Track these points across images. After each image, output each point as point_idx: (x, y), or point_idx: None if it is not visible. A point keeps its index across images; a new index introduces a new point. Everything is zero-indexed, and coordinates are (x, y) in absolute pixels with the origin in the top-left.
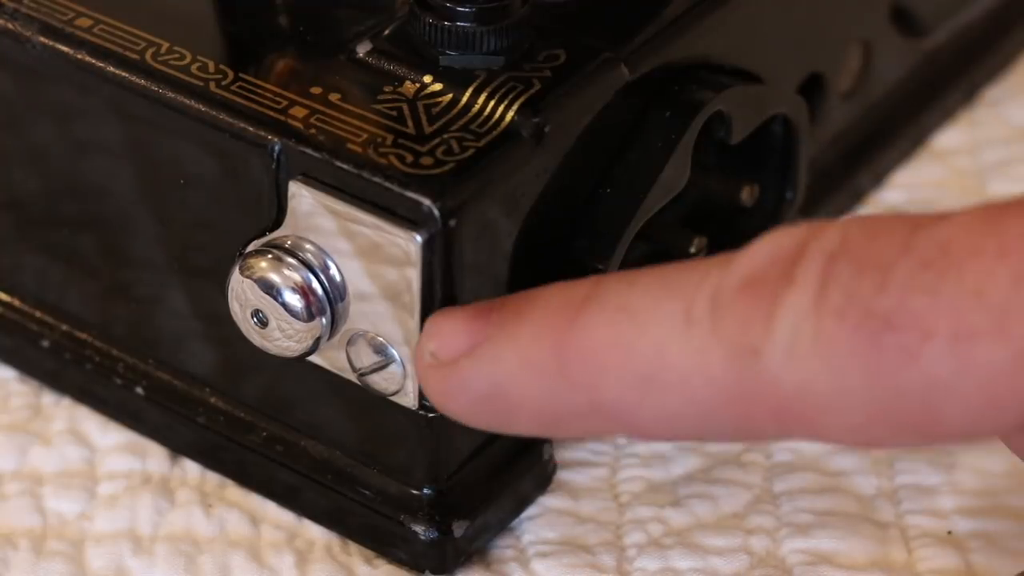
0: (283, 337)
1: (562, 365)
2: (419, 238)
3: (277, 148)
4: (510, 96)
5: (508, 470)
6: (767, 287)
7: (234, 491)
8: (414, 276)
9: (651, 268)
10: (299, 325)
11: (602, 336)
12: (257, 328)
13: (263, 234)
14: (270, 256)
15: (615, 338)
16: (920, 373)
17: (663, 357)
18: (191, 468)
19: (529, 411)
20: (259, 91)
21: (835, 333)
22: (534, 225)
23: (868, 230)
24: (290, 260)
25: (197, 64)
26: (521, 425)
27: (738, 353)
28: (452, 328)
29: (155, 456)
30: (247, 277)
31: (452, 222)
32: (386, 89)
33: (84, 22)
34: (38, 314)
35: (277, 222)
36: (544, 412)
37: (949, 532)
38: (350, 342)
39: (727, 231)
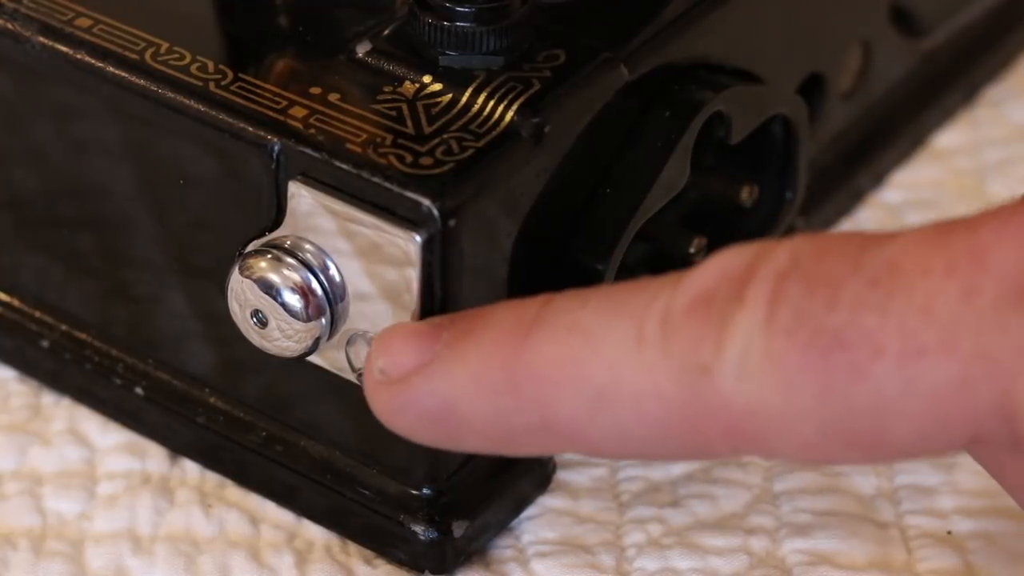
0: (283, 337)
1: (513, 383)
2: (419, 238)
3: (277, 148)
4: (510, 96)
5: (508, 470)
6: (717, 306)
7: (234, 491)
8: (414, 276)
9: (601, 287)
10: (299, 325)
11: (553, 355)
12: (257, 328)
13: (263, 234)
14: (270, 256)
15: (566, 357)
16: (870, 390)
17: (614, 376)
18: (191, 468)
19: (479, 429)
20: (259, 91)
21: (785, 351)
22: (534, 225)
23: (817, 249)
24: (290, 260)
25: (197, 64)
26: (470, 442)
27: (689, 372)
28: (402, 345)
29: (155, 456)
30: (247, 277)
31: (452, 222)
32: (386, 89)
33: (84, 22)
34: (38, 314)
35: (277, 222)
36: (494, 430)
37: (949, 532)
38: (350, 342)
39: (727, 231)
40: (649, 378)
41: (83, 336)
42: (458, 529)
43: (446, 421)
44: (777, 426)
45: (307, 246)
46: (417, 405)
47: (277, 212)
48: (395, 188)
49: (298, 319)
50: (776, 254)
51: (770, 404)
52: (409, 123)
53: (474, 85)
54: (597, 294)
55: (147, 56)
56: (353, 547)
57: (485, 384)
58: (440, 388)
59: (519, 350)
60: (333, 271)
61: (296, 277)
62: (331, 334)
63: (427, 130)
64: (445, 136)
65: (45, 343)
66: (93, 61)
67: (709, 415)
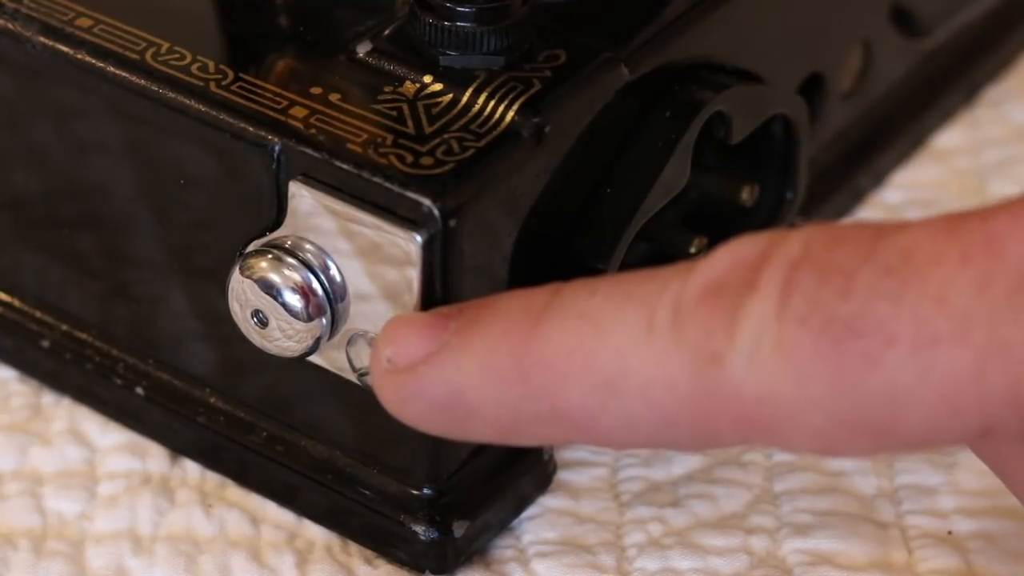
0: (283, 337)
1: (522, 372)
2: (419, 238)
3: (277, 148)
4: (510, 96)
5: (508, 470)
6: (729, 294)
7: (234, 491)
8: (414, 276)
9: (611, 276)
10: (299, 325)
11: (563, 343)
12: (257, 328)
13: (263, 234)
14: (270, 256)
15: (576, 345)
16: (882, 379)
17: (624, 364)
18: (191, 468)
19: (487, 418)
20: (259, 91)
21: (797, 340)
22: (534, 225)
23: (831, 238)
24: (290, 260)
25: (197, 64)
26: (478, 432)
27: (700, 360)
28: (409, 334)
29: (155, 456)
30: (247, 277)
31: (452, 222)
32: (386, 89)
33: (84, 22)
34: (38, 314)
35: (277, 222)
36: (503, 419)
37: (949, 532)
38: (350, 342)
39: (727, 231)
40: (659, 366)
41: (83, 336)
42: (459, 529)
43: (454, 410)
44: (788, 415)
45: (308, 246)
46: (425, 394)
47: (278, 212)
48: (395, 188)
49: (299, 319)
50: (789, 243)
51: (781, 392)
52: (410, 123)
53: (475, 85)
54: (607, 283)
55: (148, 56)
56: (354, 547)
57: (494, 373)
58: (448, 377)
59: (528, 339)
60: (334, 271)
61: (297, 277)
62: (332, 334)
63: (428, 130)
64: (446, 136)
65: (45, 343)
66: (94, 61)
67: (720, 404)
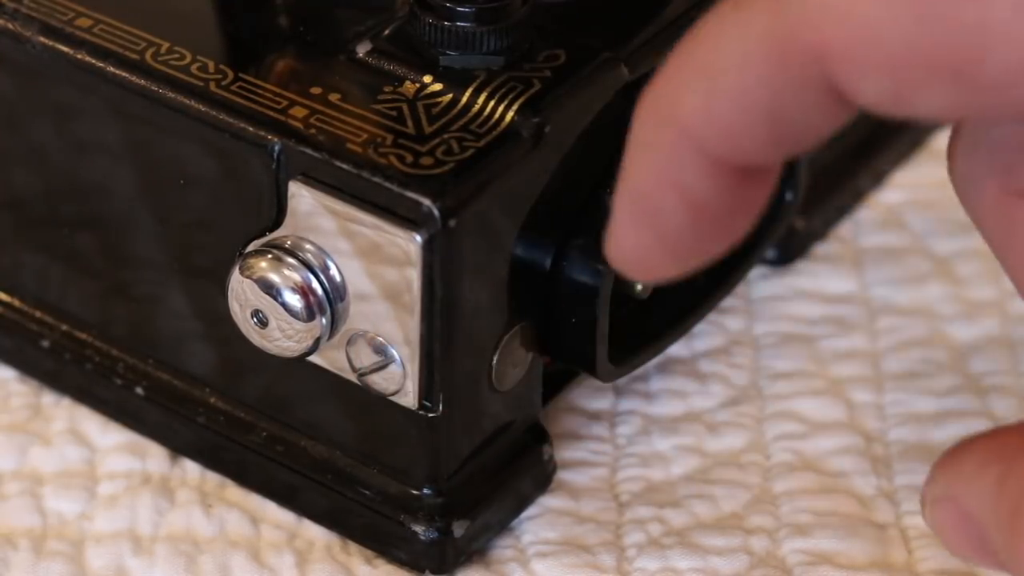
0: (283, 337)
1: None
2: (419, 238)
3: (277, 148)
4: (510, 96)
5: (508, 470)
6: None
7: (234, 491)
8: (414, 276)
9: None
10: (299, 325)
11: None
12: (257, 328)
13: (263, 234)
14: (270, 256)
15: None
16: (976, 5)
17: (716, 33)
18: (191, 468)
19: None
20: (259, 91)
21: None
22: (534, 225)
23: None
24: (290, 260)
25: (197, 64)
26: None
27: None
28: None
29: (155, 456)
30: (247, 277)
31: (452, 222)
32: (386, 89)
33: (84, 22)
34: (38, 314)
35: (277, 222)
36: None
37: None
38: (350, 342)
39: None
40: (746, 28)
41: (83, 336)
42: (458, 529)
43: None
44: (867, 36)
45: (307, 246)
46: None
47: (277, 212)
48: (395, 188)
49: (298, 319)
50: None
51: (863, 8)
52: (409, 123)
53: (474, 85)
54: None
55: (147, 56)
56: (354, 547)
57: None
58: None
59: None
60: (333, 271)
61: (296, 277)
62: (331, 334)
63: (427, 130)
64: (445, 136)
65: (45, 343)
66: (93, 61)
67: (796, 31)
